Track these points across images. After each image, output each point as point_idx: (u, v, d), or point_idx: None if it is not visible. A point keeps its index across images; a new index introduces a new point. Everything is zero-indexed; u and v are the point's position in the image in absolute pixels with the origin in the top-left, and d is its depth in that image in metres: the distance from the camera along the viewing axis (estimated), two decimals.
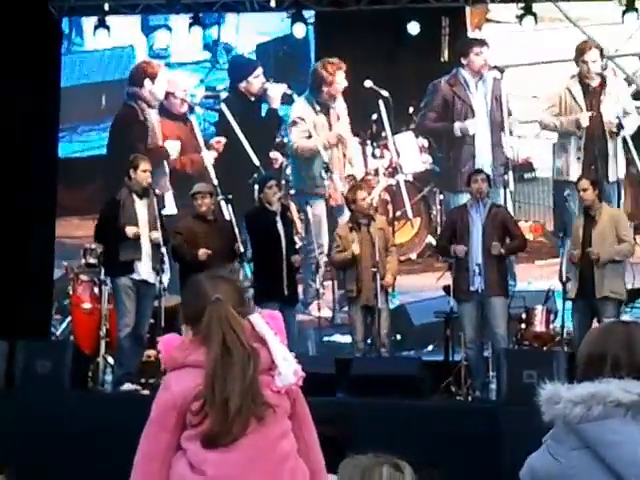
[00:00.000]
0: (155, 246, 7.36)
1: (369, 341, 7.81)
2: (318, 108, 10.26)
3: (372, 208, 8.12)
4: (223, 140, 10.36)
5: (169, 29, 10.78)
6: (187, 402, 2.57)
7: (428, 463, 6.02)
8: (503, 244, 7.61)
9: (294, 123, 10.28)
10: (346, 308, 9.82)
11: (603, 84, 9.84)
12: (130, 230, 7.25)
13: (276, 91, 10.41)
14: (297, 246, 8.26)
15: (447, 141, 10.17)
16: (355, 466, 2.46)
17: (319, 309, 8.70)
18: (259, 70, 10.55)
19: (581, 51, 9.90)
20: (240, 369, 2.56)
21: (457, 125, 10.06)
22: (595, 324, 7.37)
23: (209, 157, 10.39)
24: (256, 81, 10.53)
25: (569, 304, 7.68)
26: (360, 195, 7.96)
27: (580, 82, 9.89)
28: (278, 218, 7.83)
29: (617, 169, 9.51)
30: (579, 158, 9.78)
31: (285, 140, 10.43)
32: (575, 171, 9.66)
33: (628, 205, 9.63)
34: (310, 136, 10.22)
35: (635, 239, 9.24)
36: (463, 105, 10.09)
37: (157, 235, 7.33)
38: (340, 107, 10.23)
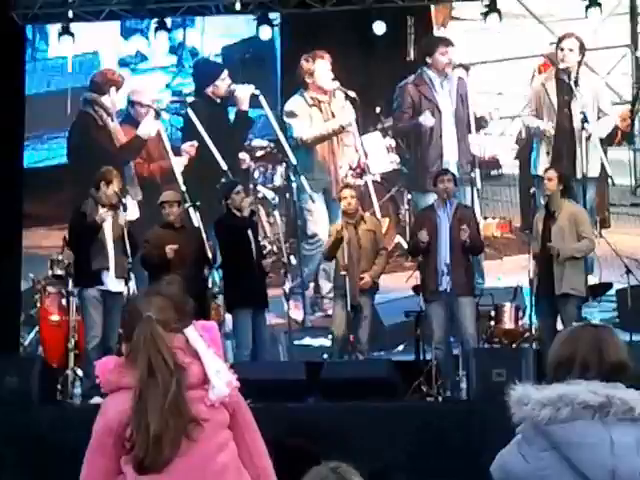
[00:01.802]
0: (121, 254, 7.35)
1: (346, 337, 7.82)
2: (310, 102, 10.23)
3: (358, 209, 8.13)
4: (196, 144, 10.32)
5: (137, 34, 10.72)
6: (123, 426, 2.59)
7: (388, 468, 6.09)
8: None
9: (292, 115, 10.23)
10: (318, 313, 9.86)
11: (577, 81, 9.87)
12: (99, 218, 7.22)
13: (244, 92, 10.38)
14: (266, 250, 8.27)
15: (415, 141, 10.19)
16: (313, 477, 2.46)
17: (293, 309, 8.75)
18: (225, 73, 10.52)
19: (560, 39, 9.92)
20: (162, 391, 2.56)
21: (422, 118, 10.06)
22: (560, 323, 7.42)
23: (178, 163, 10.35)
24: (222, 84, 10.49)
25: None
26: (343, 194, 8.02)
27: (555, 78, 9.92)
28: (247, 223, 7.83)
29: (586, 167, 9.56)
30: (548, 153, 9.83)
31: (253, 143, 10.42)
32: (543, 166, 9.69)
33: (594, 200, 9.69)
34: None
35: (601, 233, 9.35)
36: (430, 104, 10.11)
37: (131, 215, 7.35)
38: (336, 103, 10.15)
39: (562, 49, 9.86)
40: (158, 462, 2.55)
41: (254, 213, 8.04)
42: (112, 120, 10.41)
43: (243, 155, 10.35)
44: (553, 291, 7.39)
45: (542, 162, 9.68)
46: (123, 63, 10.72)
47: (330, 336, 8.28)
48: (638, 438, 2.23)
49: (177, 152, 10.42)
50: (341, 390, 6.92)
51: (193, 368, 2.63)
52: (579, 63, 9.84)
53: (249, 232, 7.79)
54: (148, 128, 10.37)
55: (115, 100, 10.46)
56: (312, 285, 10.00)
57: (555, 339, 2.43)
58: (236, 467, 2.69)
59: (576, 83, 9.77)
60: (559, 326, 7.38)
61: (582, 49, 9.86)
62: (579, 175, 9.51)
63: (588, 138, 9.39)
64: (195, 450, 2.59)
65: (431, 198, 8.43)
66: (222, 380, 2.63)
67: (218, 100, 10.52)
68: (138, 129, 10.37)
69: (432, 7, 10.37)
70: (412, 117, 10.15)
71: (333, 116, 10.24)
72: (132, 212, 7.78)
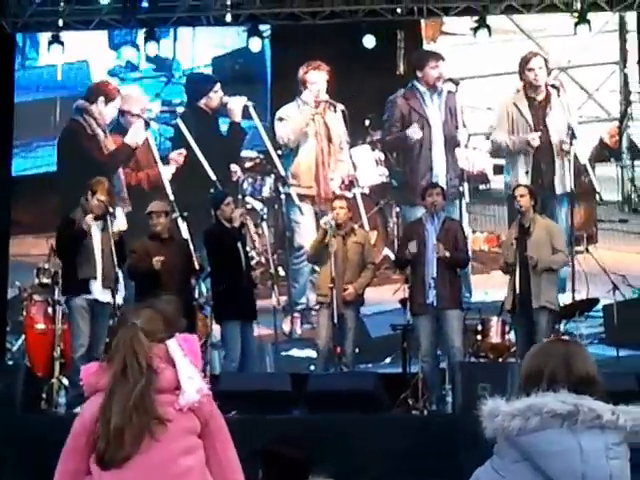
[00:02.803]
0: (108, 264, 7.34)
1: (330, 348, 7.81)
2: (304, 111, 10.25)
3: (348, 221, 8.14)
4: (184, 152, 10.33)
5: (127, 44, 10.74)
6: (94, 423, 2.68)
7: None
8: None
9: (280, 119, 10.27)
10: (306, 325, 9.85)
11: (548, 97, 9.96)
12: (85, 223, 7.23)
13: (236, 104, 10.40)
14: (254, 262, 8.26)
15: (405, 154, 10.22)
16: None
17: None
18: (218, 85, 10.53)
19: (526, 60, 10.02)
20: (130, 389, 2.66)
21: (409, 132, 10.11)
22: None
23: (167, 172, 10.35)
24: (215, 96, 10.51)
25: None
26: (334, 205, 8.07)
27: (526, 96, 10.00)
28: (237, 234, 7.82)
29: (565, 182, 9.63)
30: (527, 172, 9.90)
31: (242, 154, 10.43)
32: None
33: (580, 216, 9.74)
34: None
35: (588, 249, 9.39)
36: (419, 118, 10.15)
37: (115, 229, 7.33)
38: (330, 115, 10.18)
39: (531, 69, 9.95)
40: (118, 456, 2.62)
41: (243, 225, 8.04)
42: (102, 130, 10.40)
43: (234, 167, 10.36)
44: (528, 305, 7.43)
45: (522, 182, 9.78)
46: (112, 73, 10.72)
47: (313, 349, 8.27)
48: (607, 445, 2.27)
49: (165, 161, 10.42)
50: (327, 402, 6.90)
51: (166, 373, 2.72)
52: (546, 83, 9.95)
53: (239, 244, 7.78)
54: (136, 136, 10.37)
55: (103, 111, 10.44)
56: (304, 299, 10.00)
57: (526, 354, 2.48)
58: (201, 473, 2.73)
59: (547, 100, 9.87)
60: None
61: (548, 67, 9.97)
62: (559, 191, 9.56)
63: (568, 152, 9.45)
64: (158, 450, 2.65)
65: (420, 212, 8.45)
66: (193, 387, 2.71)
67: (209, 112, 10.54)
68: (126, 137, 10.37)
69: (422, 22, 10.41)
70: (401, 130, 10.19)
71: (326, 127, 10.26)
72: (121, 223, 7.77)
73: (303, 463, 3.96)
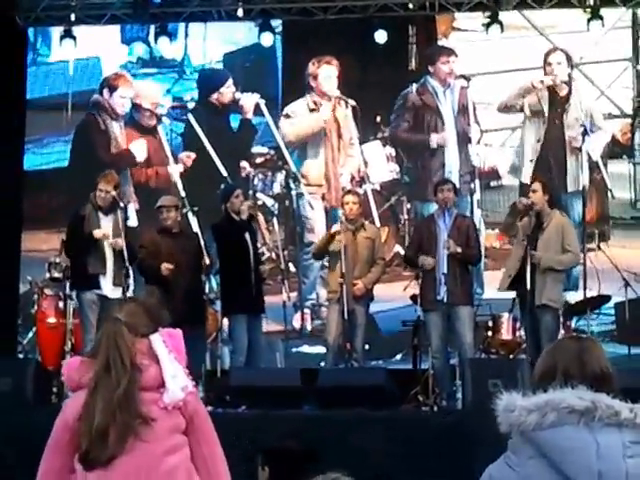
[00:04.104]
0: (119, 261, 7.34)
1: (342, 343, 7.80)
2: (312, 106, 10.23)
3: (359, 216, 8.12)
4: (193, 155, 10.32)
5: (140, 40, 10.74)
6: (77, 421, 2.65)
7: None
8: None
9: (286, 116, 10.26)
10: (316, 320, 9.85)
11: (569, 95, 9.91)
12: (98, 233, 7.24)
13: (249, 101, 10.38)
14: (264, 258, 8.25)
15: (417, 151, 10.20)
16: None
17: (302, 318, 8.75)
18: (230, 81, 10.52)
19: (546, 55, 9.98)
20: (113, 386, 2.62)
21: (434, 137, 10.08)
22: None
23: (176, 170, 10.35)
24: (227, 91, 10.50)
25: None
26: (345, 200, 8.03)
27: (548, 90, 9.96)
28: (245, 228, 7.82)
29: (578, 179, 9.58)
30: (532, 160, 9.86)
31: (253, 150, 10.42)
32: (527, 173, 9.73)
33: (593, 213, 9.70)
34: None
35: (599, 246, 9.35)
36: (432, 114, 10.13)
37: (120, 242, 7.29)
38: (340, 110, 10.15)
39: (550, 63, 9.91)
40: (102, 456, 2.59)
41: (253, 218, 8.02)
42: (117, 123, 10.40)
43: (244, 163, 10.35)
44: (532, 301, 7.39)
45: (526, 171, 9.74)
46: (124, 68, 10.73)
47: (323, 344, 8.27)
48: (624, 442, 2.25)
49: (179, 160, 10.42)
50: (337, 398, 6.90)
51: (150, 370, 2.68)
52: (570, 76, 9.88)
53: (247, 236, 7.77)
54: (138, 150, 10.36)
55: (118, 103, 10.44)
56: (314, 294, 10.01)
57: (542, 352, 2.46)
58: (187, 471, 2.71)
59: (568, 97, 9.82)
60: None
61: (570, 62, 9.90)
62: (570, 189, 9.51)
63: (580, 149, 9.39)
64: (143, 450, 2.62)
65: (432, 208, 8.43)
66: (177, 384, 2.67)
67: (220, 107, 10.53)
68: (131, 144, 10.36)
69: (436, 17, 10.38)
70: (412, 126, 10.16)
71: (337, 123, 10.24)
72: (132, 220, 7.79)
73: (303, 456, 3.95)
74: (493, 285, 9.48)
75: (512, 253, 7.83)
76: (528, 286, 7.42)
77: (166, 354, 2.68)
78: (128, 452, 2.60)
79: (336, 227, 7.96)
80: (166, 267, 7.48)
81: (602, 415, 2.24)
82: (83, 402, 2.63)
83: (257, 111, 10.41)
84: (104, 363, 2.64)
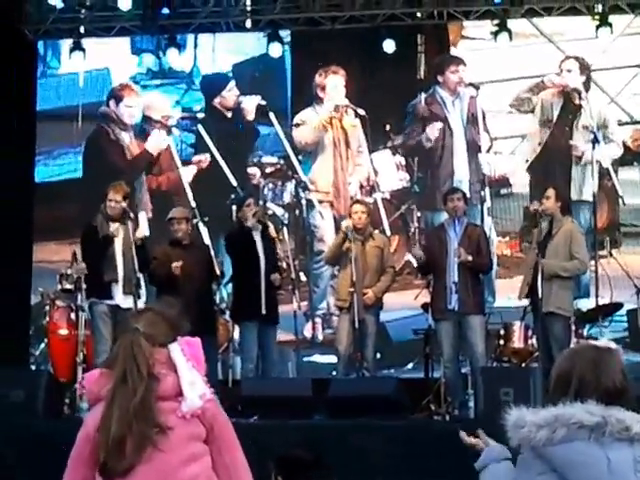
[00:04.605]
0: (129, 269, 7.38)
1: (353, 353, 7.79)
2: (321, 113, 10.24)
3: (367, 225, 8.12)
4: (206, 158, 10.32)
5: (149, 51, 10.78)
6: (96, 433, 2.64)
7: None
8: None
9: (296, 125, 10.28)
10: (327, 330, 9.85)
11: (581, 103, 9.89)
12: (110, 232, 7.32)
13: (250, 103, 10.40)
14: (282, 264, 8.22)
15: (426, 160, 10.19)
16: None
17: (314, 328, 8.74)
18: (232, 84, 10.54)
19: (560, 62, 9.98)
20: (130, 396, 2.61)
21: (429, 131, 10.08)
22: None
23: (187, 176, 10.37)
24: (230, 95, 10.52)
25: None
26: (354, 209, 8.04)
27: (562, 97, 9.94)
28: (257, 237, 7.83)
29: (582, 189, 9.56)
30: (527, 160, 9.86)
31: (263, 159, 10.44)
32: (521, 172, 9.69)
33: (603, 220, 9.67)
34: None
35: (611, 253, 9.32)
36: (441, 123, 10.12)
37: (141, 234, 7.44)
38: (347, 120, 10.17)
39: (560, 70, 9.91)
40: (120, 467, 2.57)
41: (267, 228, 8.03)
42: (127, 133, 10.45)
43: (253, 170, 10.36)
44: (540, 308, 7.38)
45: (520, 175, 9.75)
46: (133, 80, 10.77)
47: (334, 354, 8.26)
48: (635, 457, 2.24)
49: (187, 164, 10.45)
50: (348, 407, 6.89)
51: (168, 379, 2.66)
52: (584, 84, 9.86)
53: (259, 245, 7.78)
54: (157, 143, 10.40)
55: (123, 112, 10.47)
56: (325, 303, 10.00)
57: (558, 357, 2.46)
58: (207, 479, 2.69)
59: (581, 105, 9.80)
60: None
61: (584, 70, 9.88)
62: (574, 197, 9.47)
63: (580, 158, 9.37)
64: (161, 459, 2.61)
65: (442, 217, 8.42)
66: (195, 392, 2.65)
67: (229, 114, 10.55)
68: (147, 143, 10.42)
69: (448, 26, 10.38)
70: (421, 136, 10.17)
71: (344, 132, 10.26)
72: (143, 229, 7.82)
73: (313, 464, 3.94)
74: (504, 293, 9.48)
75: (525, 261, 7.82)
76: (539, 294, 7.40)
77: (184, 362, 2.66)
78: (146, 461, 2.59)
79: (346, 222, 7.96)
80: (176, 265, 7.52)
81: (613, 430, 2.23)
82: (101, 414, 2.62)
83: (265, 120, 10.41)
84: (121, 374, 2.63)
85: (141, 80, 10.78)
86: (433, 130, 10.06)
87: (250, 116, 10.42)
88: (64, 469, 2.73)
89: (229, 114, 10.54)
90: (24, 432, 6.62)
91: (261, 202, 9.95)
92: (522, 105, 10.01)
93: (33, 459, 6.42)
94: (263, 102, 10.34)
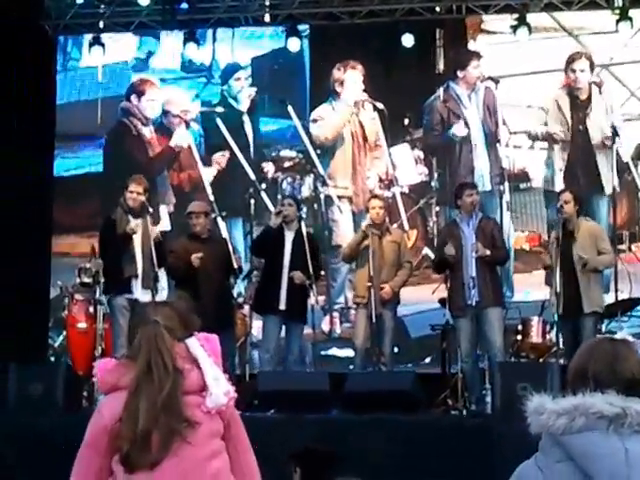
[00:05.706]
0: (148, 264, 7.40)
1: (370, 347, 7.80)
2: (341, 110, 10.23)
3: (385, 220, 8.12)
4: (225, 156, 10.34)
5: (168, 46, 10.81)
6: (116, 423, 2.61)
7: None
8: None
9: (314, 121, 10.27)
10: (345, 324, 9.84)
11: (590, 97, 9.84)
12: (129, 228, 7.32)
13: (244, 94, 10.41)
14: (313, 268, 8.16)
15: (446, 155, 10.16)
16: None
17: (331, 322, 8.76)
18: (240, 72, 10.52)
19: (571, 60, 9.92)
20: (157, 389, 2.59)
21: (456, 128, 10.06)
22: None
23: (208, 174, 10.39)
24: (237, 84, 10.52)
25: None
26: (372, 204, 8.04)
27: (569, 94, 9.90)
28: (287, 234, 7.82)
29: (607, 181, 9.51)
30: (561, 169, 9.81)
31: (281, 153, 10.44)
32: (559, 182, 9.70)
33: (623, 214, 9.61)
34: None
35: (630, 247, 9.27)
36: (458, 120, 10.09)
37: (158, 233, 7.45)
38: (365, 114, 10.16)
39: (574, 70, 9.85)
40: (146, 460, 2.56)
41: (301, 228, 8.03)
42: (148, 128, 10.48)
43: (267, 165, 10.36)
44: (576, 310, 7.36)
45: (558, 180, 9.69)
46: (153, 74, 10.79)
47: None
48: None
49: (207, 162, 10.47)
50: (365, 402, 6.89)
51: (192, 375, 2.65)
52: (589, 82, 9.81)
53: (286, 242, 7.77)
54: (181, 139, 10.44)
55: (148, 108, 10.51)
56: (342, 298, 10.01)
57: (577, 351, 2.44)
58: (227, 475, 2.70)
59: (589, 100, 9.75)
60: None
61: (593, 68, 9.84)
62: (608, 191, 9.41)
63: (610, 148, 9.31)
64: (189, 452, 2.60)
65: None
66: (220, 389, 2.65)
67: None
68: (171, 140, 10.45)
69: (467, 20, 10.35)
70: (441, 134, 10.15)
71: (361, 127, 10.25)
72: (164, 223, 7.84)
73: (329, 458, 3.96)
74: (522, 288, 9.46)
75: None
76: (558, 289, 7.39)
77: (206, 358, 2.66)
78: (174, 455, 2.58)
79: (366, 223, 7.98)
80: (196, 256, 7.54)
81: (632, 422, 2.22)
82: (124, 404, 2.60)
83: (284, 114, 10.41)
84: (145, 366, 2.61)
85: (160, 74, 10.81)
86: (460, 128, 10.03)
87: (243, 107, 10.37)
88: (71, 464, 2.71)
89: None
90: (44, 424, 6.68)
91: (279, 196, 9.96)
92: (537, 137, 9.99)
93: (22, 446, 6.46)
94: (253, 91, 10.30)
